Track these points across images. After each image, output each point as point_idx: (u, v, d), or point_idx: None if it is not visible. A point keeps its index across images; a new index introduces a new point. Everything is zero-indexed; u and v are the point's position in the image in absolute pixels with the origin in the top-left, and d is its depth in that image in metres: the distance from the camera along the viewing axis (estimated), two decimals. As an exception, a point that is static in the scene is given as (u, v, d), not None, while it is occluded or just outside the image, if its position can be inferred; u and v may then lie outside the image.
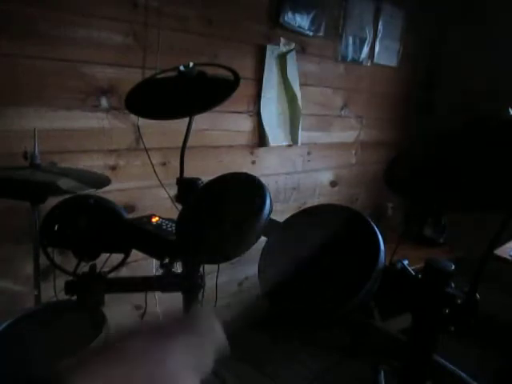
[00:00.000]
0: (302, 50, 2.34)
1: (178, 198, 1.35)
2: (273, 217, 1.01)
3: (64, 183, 1.23)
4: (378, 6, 2.63)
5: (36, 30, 1.51)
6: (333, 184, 2.79)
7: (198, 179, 1.33)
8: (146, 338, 0.43)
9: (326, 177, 2.75)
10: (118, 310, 1.88)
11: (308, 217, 0.91)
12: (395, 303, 0.82)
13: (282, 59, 2.25)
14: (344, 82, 2.63)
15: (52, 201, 1.33)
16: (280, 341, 2.43)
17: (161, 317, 0.48)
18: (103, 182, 1.37)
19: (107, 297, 1.30)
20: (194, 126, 1.39)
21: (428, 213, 2.97)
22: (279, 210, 2.43)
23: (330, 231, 0.83)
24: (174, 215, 1.24)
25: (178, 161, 1.40)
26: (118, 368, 0.39)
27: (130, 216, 1.48)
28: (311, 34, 2.32)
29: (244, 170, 1.18)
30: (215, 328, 0.48)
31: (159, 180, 1.87)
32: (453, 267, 0.77)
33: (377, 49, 2.71)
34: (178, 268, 1.36)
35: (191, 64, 1.33)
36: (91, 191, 1.29)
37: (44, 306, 1.29)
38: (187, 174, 1.41)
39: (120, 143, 1.80)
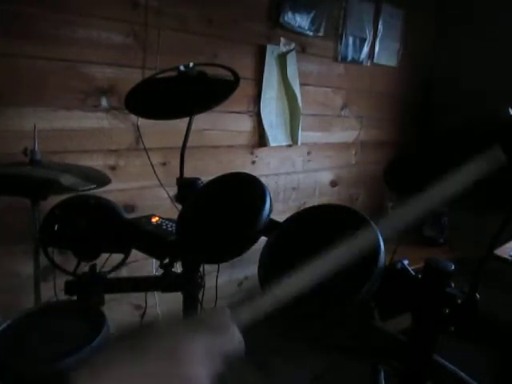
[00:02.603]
0: (301, 50, 2.34)
1: (178, 198, 1.35)
2: (273, 217, 1.01)
3: (66, 179, 1.23)
4: (377, 6, 2.63)
5: (36, 30, 1.51)
6: (333, 184, 2.79)
7: (198, 179, 1.33)
8: (172, 330, 0.44)
9: (326, 177, 2.75)
10: (118, 310, 1.89)
11: (308, 217, 0.91)
12: (395, 303, 0.82)
13: (281, 59, 2.25)
14: (344, 82, 2.63)
15: (52, 200, 1.33)
16: (280, 341, 2.43)
17: (176, 316, 0.48)
18: (104, 178, 1.37)
19: (107, 297, 1.30)
20: (193, 126, 1.39)
21: (428, 213, 2.96)
22: (279, 210, 2.43)
23: (329, 231, 0.83)
24: (174, 215, 1.23)
25: (178, 161, 1.40)
26: (135, 367, 0.39)
27: (130, 216, 1.48)
28: (311, 33, 2.32)
29: (244, 170, 1.18)
30: (231, 328, 0.47)
31: (159, 180, 1.86)
32: (453, 267, 0.77)
33: (377, 49, 2.71)
34: (177, 268, 1.36)
35: (191, 64, 1.33)
36: (91, 190, 1.28)
37: (44, 306, 1.29)
38: (187, 174, 1.41)
39: (120, 143, 1.80)
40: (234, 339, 0.47)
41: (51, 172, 1.28)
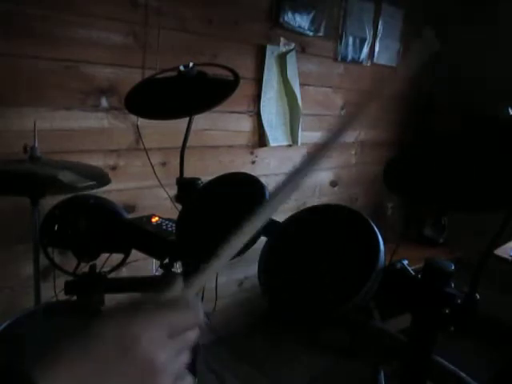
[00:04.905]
0: (301, 50, 2.34)
1: (178, 198, 1.35)
2: (273, 217, 1.01)
3: (65, 176, 1.22)
4: (377, 6, 2.63)
5: (36, 30, 1.51)
6: (333, 184, 2.79)
7: (198, 179, 1.33)
8: (120, 315, 0.41)
9: (326, 177, 2.75)
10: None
11: (308, 217, 0.91)
12: (395, 303, 0.82)
13: (281, 59, 2.25)
14: (344, 82, 2.63)
15: (52, 200, 1.33)
16: (280, 341, 2.43)
17: (129, 299, 0.45)
18: (104, 176, 1.36)
19: (107, 297, 1.30)
20: (193, 126, 1.39)
21: (428, 213, 2.97)
22: (279, 210, 2.42)
23: (329, 231, 0.83)
24: (174, 215, 1.23)
25: (178, 161, 1.40)
26: (85, 358, 0.38)
27: (130, 216, 1.48)
28: (311, 34, 2.32)
29: (244, 170, 1.18)
30: (192, 301, 0.45)
31: (159, 180, 1.86)
32: (453, 267, 0.77)
33: (377, 49, 2.71)
34: (178, 268, 1.36)
35: (191, 64, 1.32)
36: (91, 190, 1.28)
37: (44, 306, 1.29)
38: (187, 174, 1.41)
39: (120, 143, 1.80)
40: (196, 313, 0.44)
41: (50, 169, 1.27)
